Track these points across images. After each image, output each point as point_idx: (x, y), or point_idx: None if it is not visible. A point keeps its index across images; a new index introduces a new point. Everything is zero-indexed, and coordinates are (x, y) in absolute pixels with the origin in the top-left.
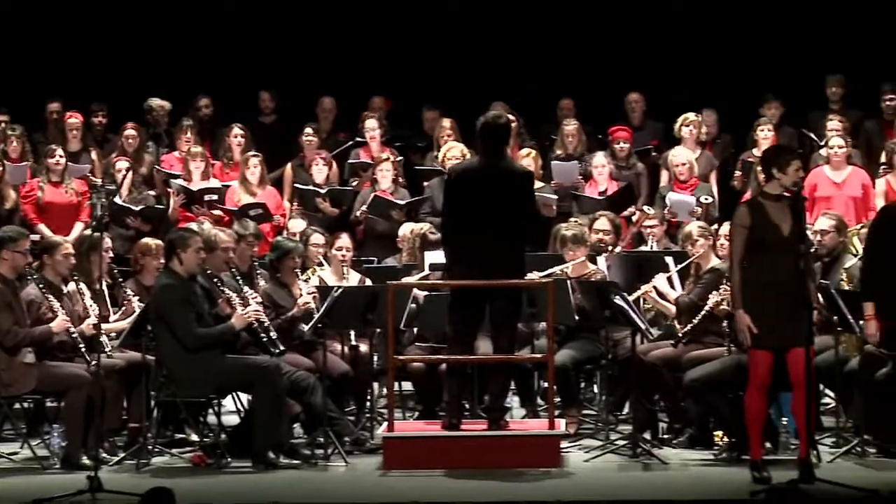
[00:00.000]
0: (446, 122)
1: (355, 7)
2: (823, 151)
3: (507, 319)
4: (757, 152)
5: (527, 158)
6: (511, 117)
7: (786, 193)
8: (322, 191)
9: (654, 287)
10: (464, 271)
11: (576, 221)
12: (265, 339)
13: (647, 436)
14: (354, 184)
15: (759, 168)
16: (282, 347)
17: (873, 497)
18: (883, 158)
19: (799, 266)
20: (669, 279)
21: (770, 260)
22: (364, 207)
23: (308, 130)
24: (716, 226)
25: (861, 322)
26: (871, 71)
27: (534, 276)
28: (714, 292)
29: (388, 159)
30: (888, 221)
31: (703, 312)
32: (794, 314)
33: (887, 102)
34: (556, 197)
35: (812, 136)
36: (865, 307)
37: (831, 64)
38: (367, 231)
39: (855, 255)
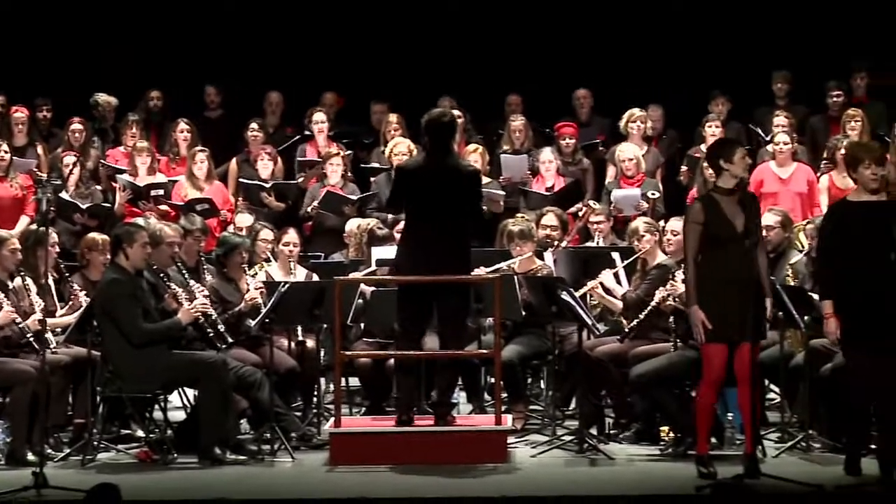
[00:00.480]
0: (393, 117)
1: (301, 1)
2: (769, 147)
3: (455, 316)
4: (704, 148)
5: (474, 154)
6: (458, 113)
7: (735, 188)
8: (267, 185)
9: (601, 283)
10: (411, 268)
11: (522, 217)
12: (211, 335)
13: (594, 431)
14: (300, 179)
15: (705, 164)
16: (230, 340)
17: (818, 492)
18: (825, 154)
19: (749, 260)
20: (616, 275)
21: (724, 255)
22: (315, 203)
23: (253, 125)
24: (662, 221)
25: (806, 318)
26: (817, 67)
27: (480, 271)
28: (660, 288)
29: (337, 154)
30: (836, 220)
31: (649, 308)
32: (748, 309)
33: (833, 99)
34: (503, 193)
35: (759, 131)
36: (824, 306)
37: (777, 60)
38: (315, 226)
39: (800, 251)
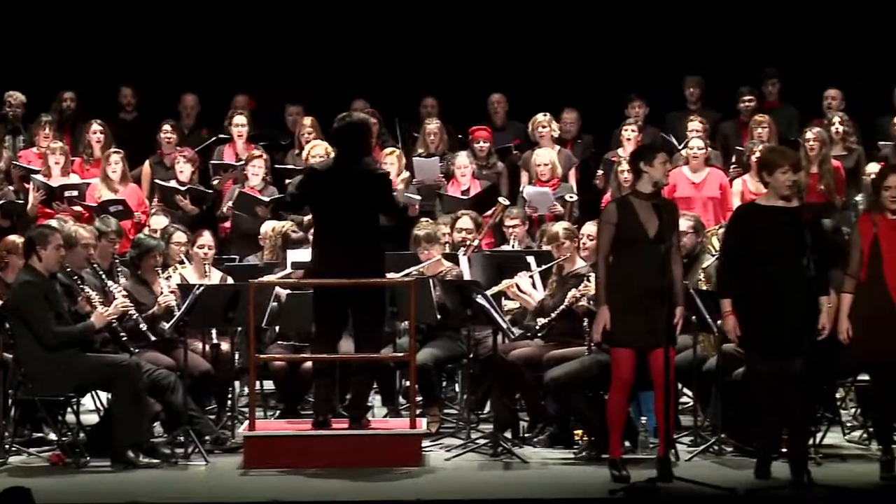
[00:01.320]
0: (307, 120)
1: (215, 3)
2: (683, 152)
3: (371, 320)
4: (622, 152)
5: (390, 157)
6: (372, 118)
7: (653, 193)
8: (182, 188)
9: (517, 285)
10: (323, 271)
11: (427, 221)
12: (124, 339)
13: (508, 434)
14: (215, 182)
15: (620, 168)
16: (153, 338)
17: (730, 495)
18: (735, 159)
19: (660, 265)
20: (532, 279)
21: (634, 259)
22: (230, 203)
23: (166, 127)
24: (576, 225)
25: (720, 321)
26: (728, 72)
27: (392, 276)
28: (573, 289)
29: (259, 157)
30: (744, 223)
31: (561, 307)
32: (655, 313)
33: (745, 104)
34: (419, 197)
35: (670, 138)
36: (723, 304)
37: (689, 65)
38: (233, 228)
39: (713, 256)
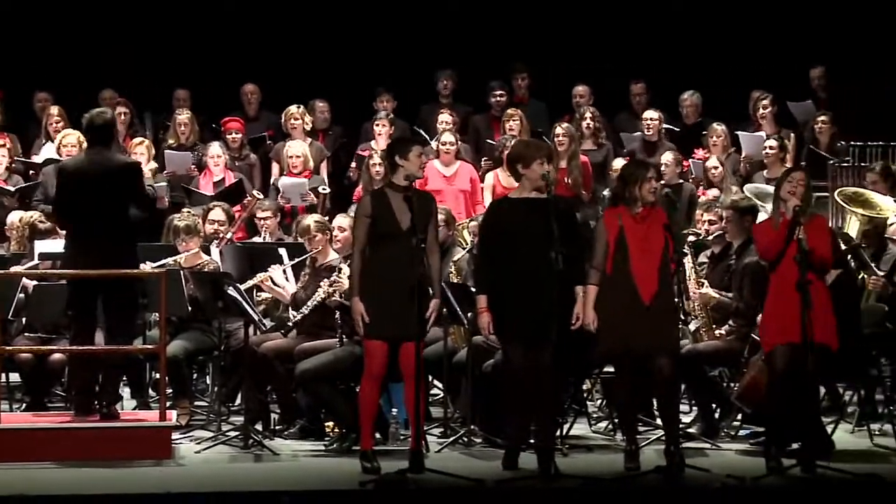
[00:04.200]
0: (54, 110)
1: None
2: (434, 145)
3: (121, 311)
4: (374, 145)
5: (139, 147)
6: (124, 110)
7: (407, 186)
8: None
9: (271, 278)
10: (75, 264)
11: (188, 212)
12: None
13: (259, 427)
14: None
15: (371, 162)
16: None
17: (479, 486)
18: (489, 153)
19: (413, 258)
20: (284, 272)
21: (389, 251)
22: None
23: None
24: (326, 217)
25: (470, 314)
26: (480, 67)
27: (147, 266)
28: (325, 282)
29: (3, 145)
30: (498, 217)
31: (314, 302)
32: (408, 305)
33: (496, 98)
34: (166, 184)
35: (421, 132)
36: (479, 300)
37: (441, 59)
38: None
39: (464, 248)
